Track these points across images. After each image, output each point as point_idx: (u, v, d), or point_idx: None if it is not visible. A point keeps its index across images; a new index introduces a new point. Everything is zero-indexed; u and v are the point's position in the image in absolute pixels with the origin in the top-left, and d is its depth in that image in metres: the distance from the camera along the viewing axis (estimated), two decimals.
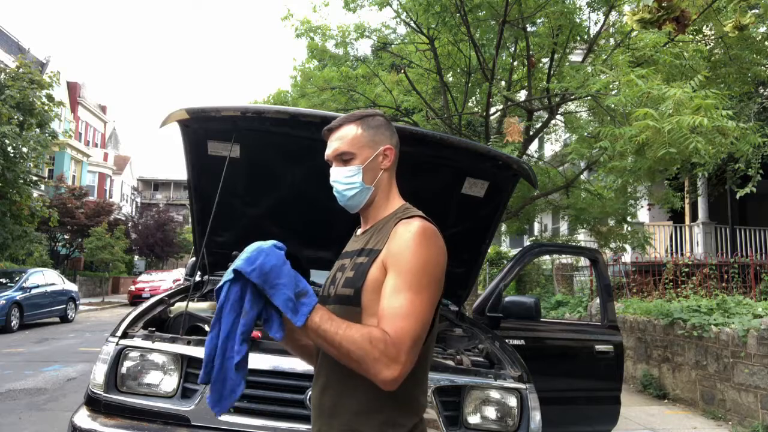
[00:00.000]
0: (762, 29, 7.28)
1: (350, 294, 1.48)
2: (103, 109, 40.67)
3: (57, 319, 15.69)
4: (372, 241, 1.55)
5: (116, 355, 2.55)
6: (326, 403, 1.49)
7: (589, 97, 7.08)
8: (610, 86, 6.21)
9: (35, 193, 18.57)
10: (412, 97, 10.35)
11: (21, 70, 15.99)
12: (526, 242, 17.14)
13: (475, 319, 4.02)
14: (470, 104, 10.90)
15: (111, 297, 29.09)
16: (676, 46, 6.41)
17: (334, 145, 1.61)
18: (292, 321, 1.31)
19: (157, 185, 58.18)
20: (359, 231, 1.68)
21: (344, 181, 1.58)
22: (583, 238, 12.71)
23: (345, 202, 1.62)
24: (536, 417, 2.57)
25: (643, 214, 14.01)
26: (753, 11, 6.61)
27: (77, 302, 16.98)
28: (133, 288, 24.52)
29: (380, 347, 1.30)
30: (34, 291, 14.30)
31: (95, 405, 2.49)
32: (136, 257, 37.69)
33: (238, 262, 1.33)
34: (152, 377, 2.55)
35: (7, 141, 14.72)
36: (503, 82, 9.75)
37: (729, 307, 6.91)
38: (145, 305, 3.06)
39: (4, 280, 14.18)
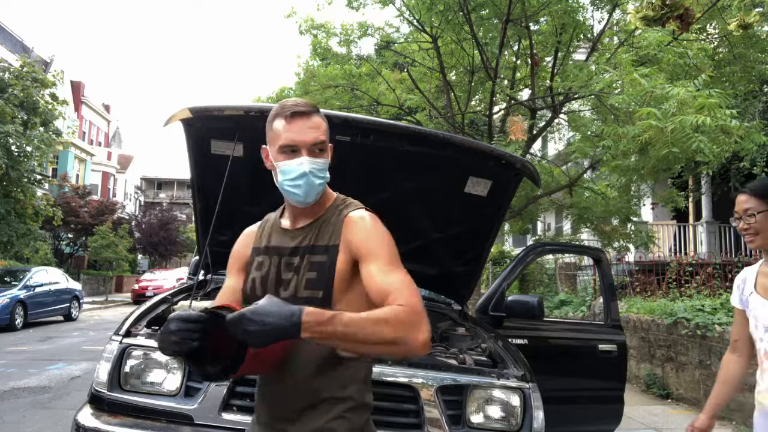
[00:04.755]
0: (767, 28, 7.25)
1: (320, 296, 1.48)
2: (107, 108, 40.76)
3: (61, 318, 15.73)
4: (322, 236, 1.53)
5: (120, 354, 2.56)
6: (290, 405, 1.50)
7: (593, 96, 7.08)
8: (614, 85, 6.21)
9: (39, 192, 18.62)
10: (415, 95, 10.35)
11: (24, 69, 16.03)
12: (529, 241, 17.12)
13: (478, 318, 4.02)
14: (473, 103, 10.90)
15: (114, 295, 29.15)
16: (680, 44, 6.40)
17: (312, 133, 1.50)
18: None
19: (161, 184, 58.27)
20: (287, 224, 1.61)
21: (320, 174, 1.51)
22: (586, 237, 12.69)
23: (311, 197, 1.52)
24: (539, 416, 2.57)
25: (646, 213, 13.97)
26: (758, 9, 6.59)
27: (81, 301, 17.01)
28: (136, 287, 24.56)
29: (404, 318, 1.33)
30: (38, 289, 14.33)
31: (99, 403, 2.49)
32: (140, 256, 37.76)
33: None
34: (155, 376, 2.55)
35: (11, 140, 14.77)
36: (506, 81, 9.74)
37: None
38: (148, 304, 3.06)
39: (8, 279, 14.22)
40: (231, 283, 1.68)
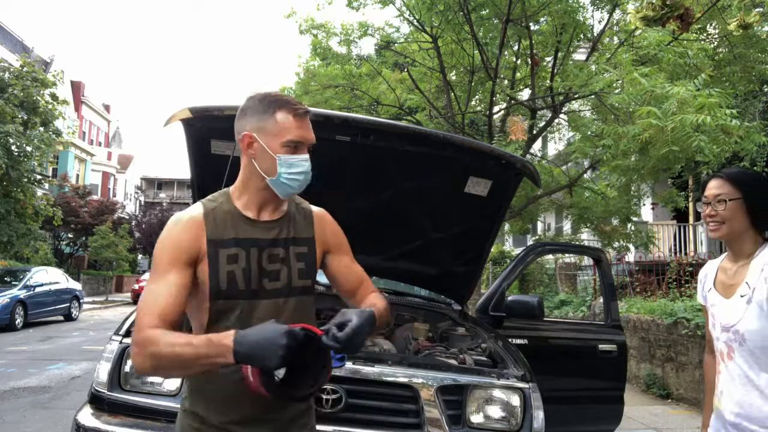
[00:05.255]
0: (767, 28, 7.25)
1: (310, 284, 1.62)
2: (107, 108, 40.76)
3: (61, 318, 15.74)
4: (298, 228, 1.64)
5: (120, 354, 2.56)
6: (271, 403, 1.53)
7: (593, 96, 7.08)
8: (614, 85, 6.21)
9: (39, 192, 18.61)
10: (416, 95, 10.35)
11: (24, 69, 16.02)
12: (530, 241, 17.11)
13: (478, 318, 4.02)
14: (473, 103, 10.90)
15: (114, 295, 29.17)
16: (680, 44, 6.40)
17: (312, 133, 1.59)
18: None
19: (161, 184, 58.27)
20: (252, 215, 1.58)
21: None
22: (586, 237, 12.69)
23: (300, 190, 1.58)
24: (539, 416, 2.57)
25: (646, 213, 13.97)
26: (758, 9, 6.59)
27: (81, 301, 17.02)
28: (136, 286, 24.59)
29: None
30: (38, 289, 14.33)
31: (99, 403, 2.49)
32: (140, 256, 37.77)
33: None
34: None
35: (11, 140, 14.77)
36: (506, 81, 9.74)
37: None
38: None
39: (8, 279, 14.22)
40: (179, 280, 1.47)
